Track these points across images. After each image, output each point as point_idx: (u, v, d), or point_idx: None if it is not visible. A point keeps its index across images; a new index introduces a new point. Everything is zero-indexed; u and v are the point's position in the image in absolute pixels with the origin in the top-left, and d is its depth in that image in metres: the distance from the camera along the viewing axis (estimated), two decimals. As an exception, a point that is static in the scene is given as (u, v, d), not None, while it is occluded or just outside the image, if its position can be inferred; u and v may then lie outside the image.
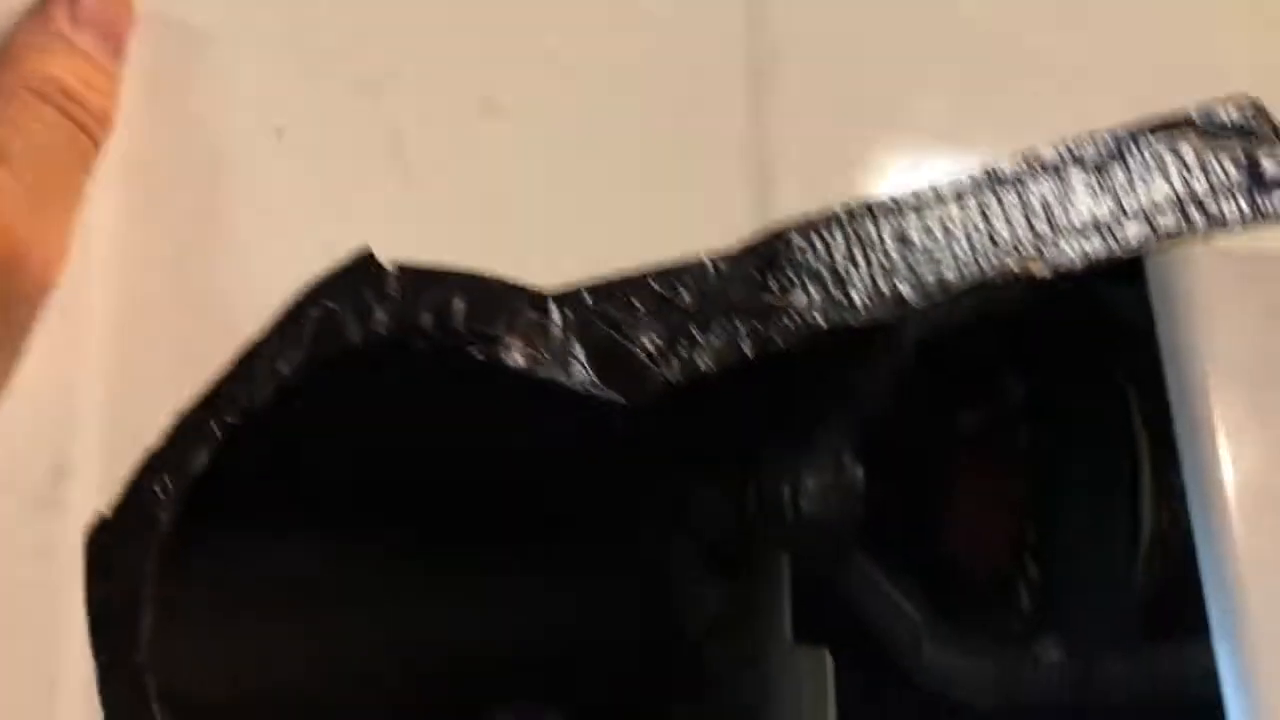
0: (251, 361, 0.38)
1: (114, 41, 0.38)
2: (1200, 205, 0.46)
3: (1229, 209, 0.46)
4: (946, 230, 0.44)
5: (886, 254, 0.44)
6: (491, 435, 0.65)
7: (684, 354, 0.42)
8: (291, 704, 0.63)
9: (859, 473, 0.58)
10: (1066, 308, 0.53)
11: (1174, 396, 0.42)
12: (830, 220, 0.43)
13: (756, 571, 0.58)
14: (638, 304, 0.42)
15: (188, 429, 0.38)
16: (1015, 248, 0.44)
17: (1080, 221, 0.45)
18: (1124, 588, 0.55)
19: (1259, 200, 0.47)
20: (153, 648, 0.37)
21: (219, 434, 0.38)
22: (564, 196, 0.42)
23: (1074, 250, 0.45)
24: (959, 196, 0.44)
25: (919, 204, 0.44)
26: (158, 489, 0.37)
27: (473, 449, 0.66)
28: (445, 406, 0.66)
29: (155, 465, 0.37)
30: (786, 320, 0.43)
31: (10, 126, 0.35)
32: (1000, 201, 0.45)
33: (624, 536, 0.67)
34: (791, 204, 0.44)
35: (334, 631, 0.65)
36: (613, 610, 0.66)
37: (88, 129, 0.37)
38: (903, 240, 0.44)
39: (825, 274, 0.43)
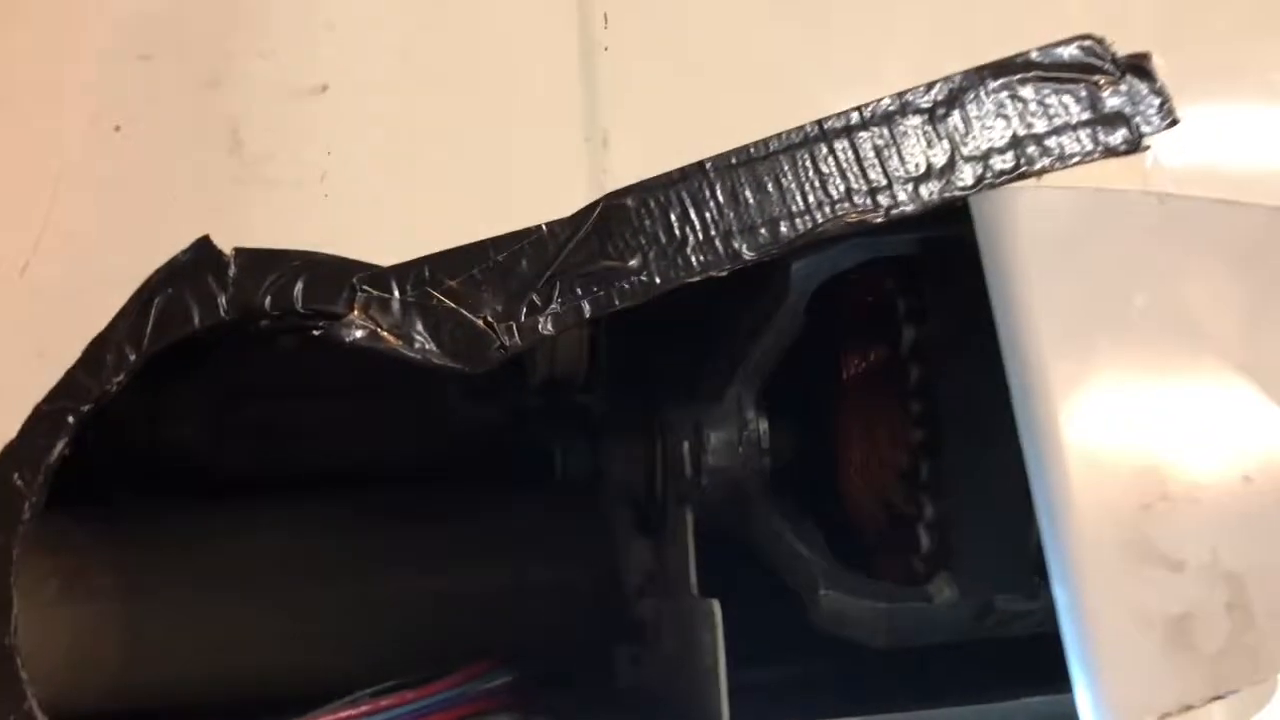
0: (100, 351, 0.41)
1: None
2: (1040, 143, 0.47)
3: (1070, 145, 0.47)
4: (779, 183, 0.45)
5: (720, 211, 0.45)
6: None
7: (524, 320, 0.44)
8: (263, 677, 0.66)
9: (763, 425, 0.59)
10: (951, 245, 0.54)
11: (1000, 330, 0.43)
12: (664, 183, 0.45)
13: (669, 527, 0.60)
14: (478, 274, 0.44)
15: (42, 421, 0.40)
16: (848, 196, 0.45)
17: (915, 167, 0.46)
18: (1019, 525, 0.56)
19: (1099, 135, 0.47)
20: (22, 631, 0.40)
21: (73, 424, 0.40)
22: (401, 174, 0.44)
23: (908, 195, 0.46)
24: (789, 149, 0.45)
25: (749, 159, 0.45)
26: (18, 480, 0.39)
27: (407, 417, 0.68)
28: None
29: (12, 458, 0.40)
30: (624, 283, 0.44)
31: None
32: (832, 152, 0.45)
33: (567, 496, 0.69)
34: (628, 169, 0.45)
35: (304, 603, 0.67)
36: (564, 563, 0.68)
37: None
38: (734, 197, 0.45)
39: (661, 235, 0.45)
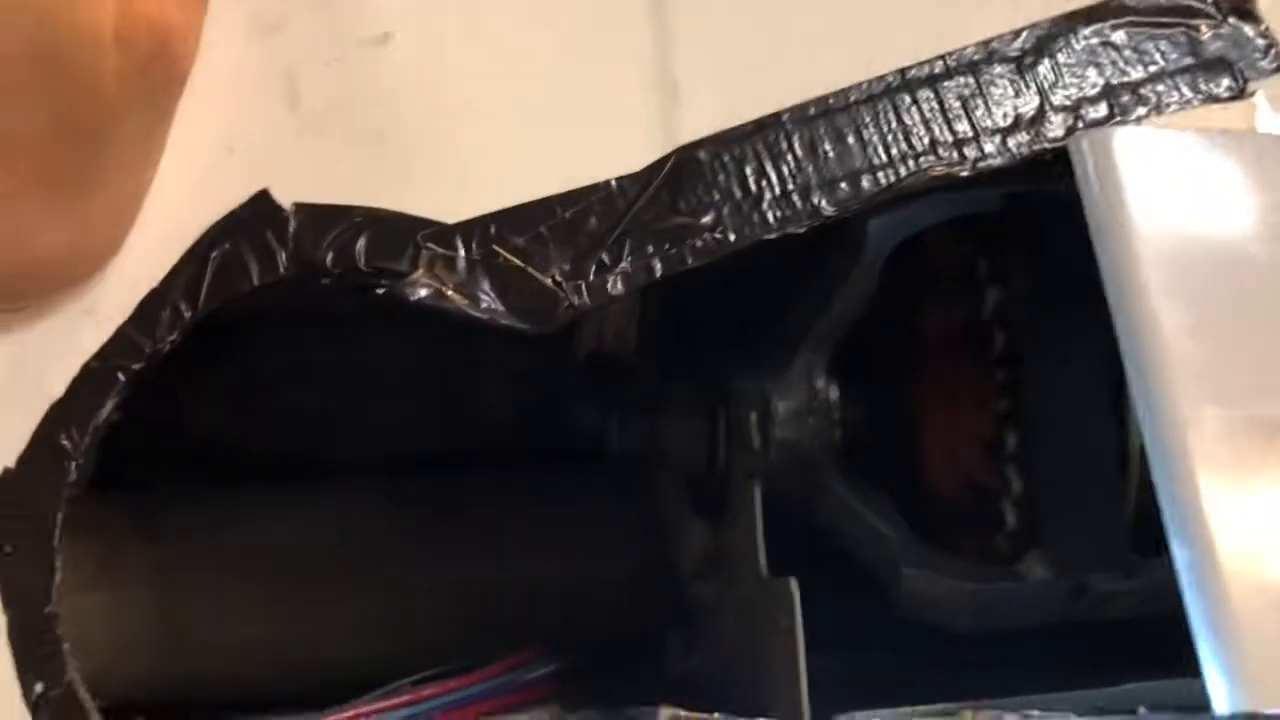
0: (154, 307, 0.39)
1: None
2: (1135, 92, 0.44)
3: (1168, 94, 0.44)
4: (859, 135, 0.43)
5: (798, 164, 0.43)
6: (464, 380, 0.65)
7: (593, 279, 0.42)
8: (300, 665, 0.65)
9: (833, 393, 0.57)
10: (1038, 202, 0.51)
11: (1106, 277, 0.40)
12: (738, 136, 0.43)
13: (732, 505, 0.58)
14: (545, 232, 0.42)
15: (91, 379, 0.38)
16: (933, 148, 0.43)
17: (1003, 118, 0.44)
18: (1113, 500, 0.53)
19: (1200, 82, 0.44)
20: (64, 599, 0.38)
21: (124, 382, 0.39)
22: (465, 128, 0.42)
23: (996, 148, 0.43)
24: (870, 99, 0.43)
25: (828, 110, 0.43)
26: (64, 440, 0.38)
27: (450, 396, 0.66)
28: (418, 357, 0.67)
29: (60, 417, 0.38)
30: (698, 240, 0.42)
31: None
32: (916, 102, 0.43)
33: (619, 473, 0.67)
34: (701, 121, 0.43)
35: (343, 590, 0.66)
36: (610, 545, 0.66)
37: None
38: (813, 149, 0.43)
39: (736, 190, 0.42)
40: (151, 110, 0.39)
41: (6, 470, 0.37)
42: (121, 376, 0.38)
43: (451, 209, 0.41)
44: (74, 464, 0.38)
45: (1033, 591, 0.52)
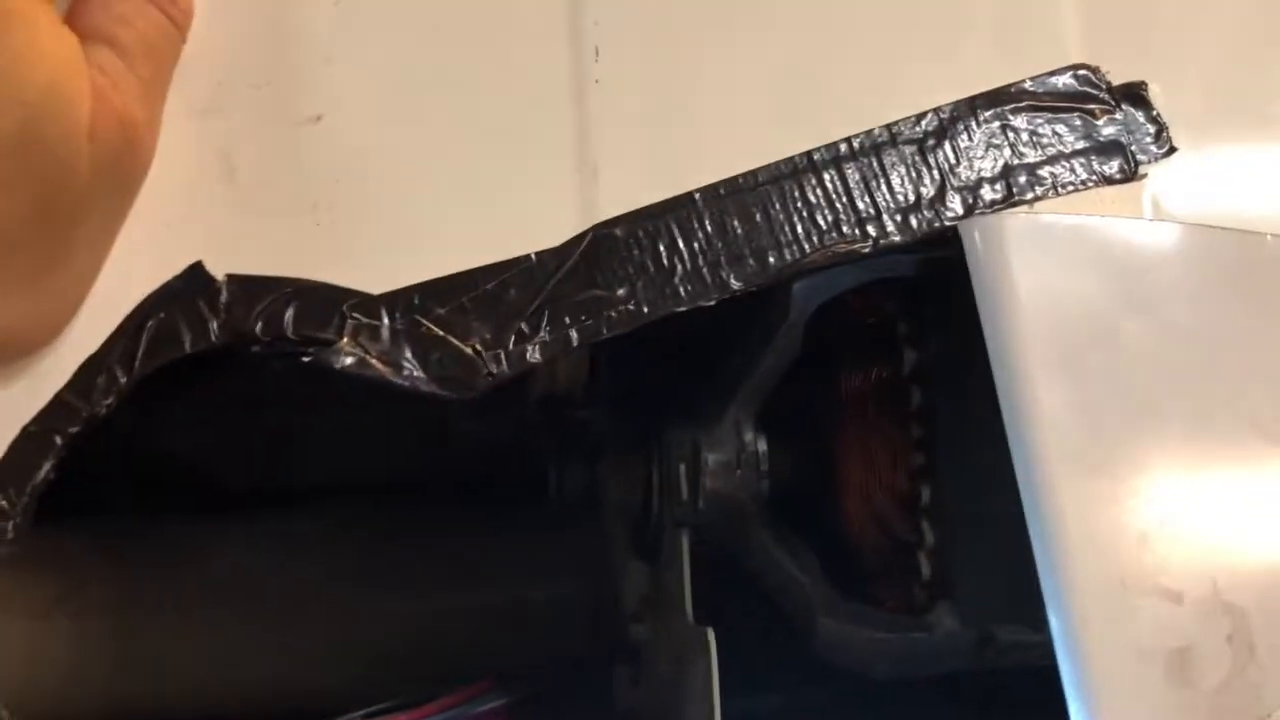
0: (90, 374, 0.41)
1: None
2: (1033, 173, 0.47)
3: (1064, 174, 0.47)
4: (766, 213, 0.45)
5: (708, 240, 0.45)
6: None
7: (513, 348, 0.44)
8: (256, 695, 0.66)
9: (760, 446, 0.59)
10: (950, 267, 0.53)
11: (992, 356, 0.43)
12: (652, 213, 0.45)
13: (664, 551, 0.60)
14: (467, 303, 0.44)
15: (29, 442, 0.41)
16: (836, 226, 0.45)
17: (904, 198, 0.46)
18: (1020, 554, 0.55)
19: (1094, 164, 0.47)
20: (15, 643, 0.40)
21: (60, 445, 0.41)
22: (393, 204, 0.45)
23: (896, 226, 0.46)
24: (777, 179, 0.45)
25: (737, 189, 0.45)
26: (2, 501, 0.40)
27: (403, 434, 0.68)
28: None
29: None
30: (612, 311, 0.44)
31: (122, 22, 0.41)
32: (820, 183, 0.46)
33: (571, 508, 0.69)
34: (618, 200, 0.45)
35: (294, 621, 0.68)
36: (561, 578, 0.68)
37: (179, 24, 0.42)
38: (722, 227, 0.45)
39: (650, 265, 0.45)
40: (118, 198, 0.42)
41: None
42: (59, 440, 0.41)
43: (380, 281, 0.44)
44: (11, 523, 0.40)
45: (943, 641, 0.54)
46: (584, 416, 0.66)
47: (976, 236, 0.44)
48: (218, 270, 0.43)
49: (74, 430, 0.41)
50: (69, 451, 0.41)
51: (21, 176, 0.38)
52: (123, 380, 0.41)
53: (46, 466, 0.41)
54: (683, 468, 0.58)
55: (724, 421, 0.59)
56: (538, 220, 0.45)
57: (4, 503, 0.40)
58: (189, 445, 0.70)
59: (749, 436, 0.59)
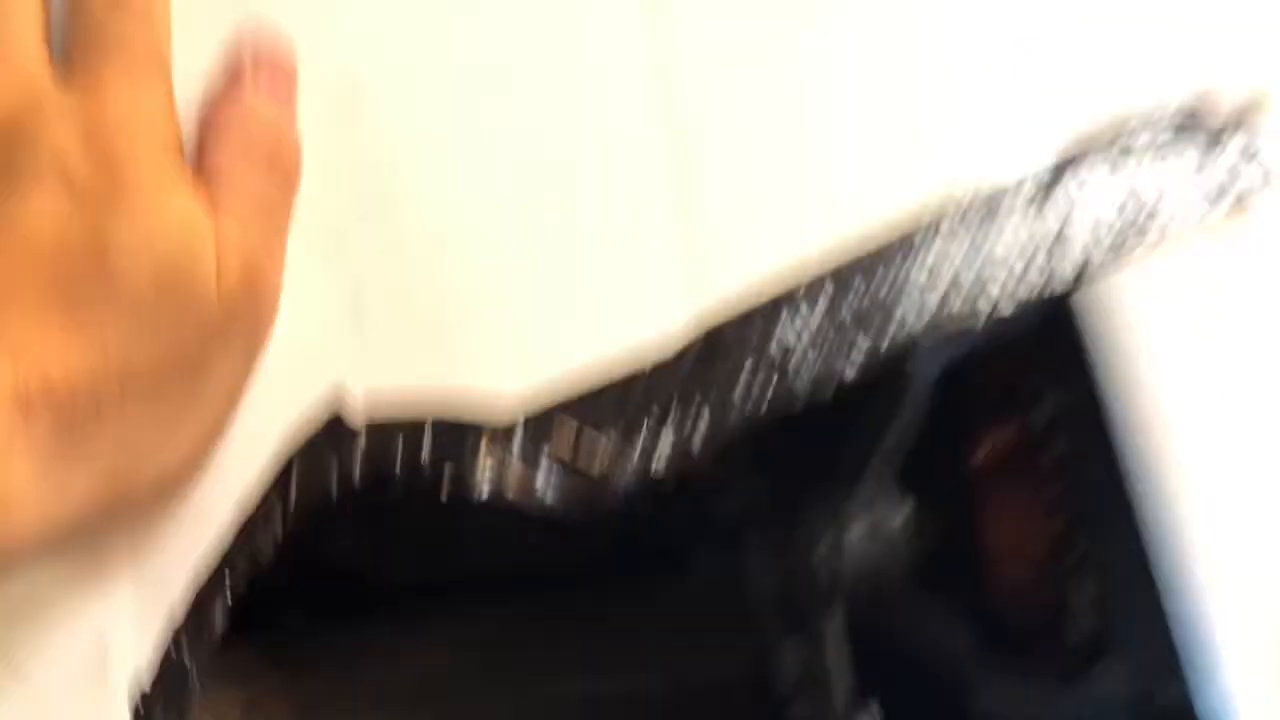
0: (250, 529, 0.44)
1: (287, 90, 0.45)
2: (1151, 215, 0.46)
3: (1179, 213, 0.46)
4: (875, 299, 0.45)
5: (819, 333, 0.45)
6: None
7: (637, 464, 0.45)
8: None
9: (904, 512, 0.59)
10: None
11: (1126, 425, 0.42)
12: (759, 312, 0.46)
13: (814, 629, 0.60)
14: (590, 425, 0.45)
15: (203, 599, 0.43)
16: (945, 304, 0.46)
17: (1012, 270, 0.46)
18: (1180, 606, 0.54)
19: (1209, 196, 0.46)
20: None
21: (229, 599, 0.43)
22: (517, 313, 0.46)
23: (1005, 298, 0.45)
24: (881, 260, 0.46)
25: (845, 276, 0.46)
26: (186, 660, 0.43)
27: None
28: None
29: (181, 637, 0.43)
30: (730, 416, 0.45)
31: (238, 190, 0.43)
32: (924, 262, 0.46)
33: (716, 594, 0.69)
34: (726, 285, 0.46)
35: (464, 715, 0.70)
36: (708, 658, 0.69)
37: (290, 178, 0.45)
38: (831, 318, 0.45)
39: (761, 365, 0.46)
40: (250, 339, 0.44)
41: (142, 692, 0.42)
42: (229, 594, 0.43)
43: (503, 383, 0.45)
44: (196, 679, 0.43)
45: (1102, 704, 0.53)
46: (721, 489, 0.67)
47: (1091, 306, 0.43)
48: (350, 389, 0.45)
49: (239, 585, 0.44)
50: (235, 602, 0.44)
51: (163, 322, 0.40)
52: (279, 531, 0.44)
53: (222, 620, 0.43)
54: (824, 544, 0.59)
55: (859, 493, 0.59)
56: (646, 319, 0.46)
57: (188, 662, 0.42)
58: (356, 548, 0.73)
59: (889, 502, 0.59)
